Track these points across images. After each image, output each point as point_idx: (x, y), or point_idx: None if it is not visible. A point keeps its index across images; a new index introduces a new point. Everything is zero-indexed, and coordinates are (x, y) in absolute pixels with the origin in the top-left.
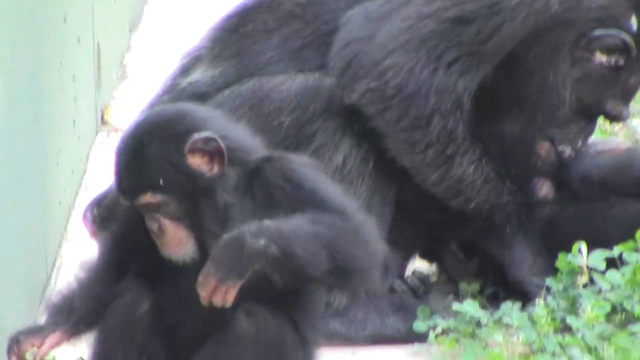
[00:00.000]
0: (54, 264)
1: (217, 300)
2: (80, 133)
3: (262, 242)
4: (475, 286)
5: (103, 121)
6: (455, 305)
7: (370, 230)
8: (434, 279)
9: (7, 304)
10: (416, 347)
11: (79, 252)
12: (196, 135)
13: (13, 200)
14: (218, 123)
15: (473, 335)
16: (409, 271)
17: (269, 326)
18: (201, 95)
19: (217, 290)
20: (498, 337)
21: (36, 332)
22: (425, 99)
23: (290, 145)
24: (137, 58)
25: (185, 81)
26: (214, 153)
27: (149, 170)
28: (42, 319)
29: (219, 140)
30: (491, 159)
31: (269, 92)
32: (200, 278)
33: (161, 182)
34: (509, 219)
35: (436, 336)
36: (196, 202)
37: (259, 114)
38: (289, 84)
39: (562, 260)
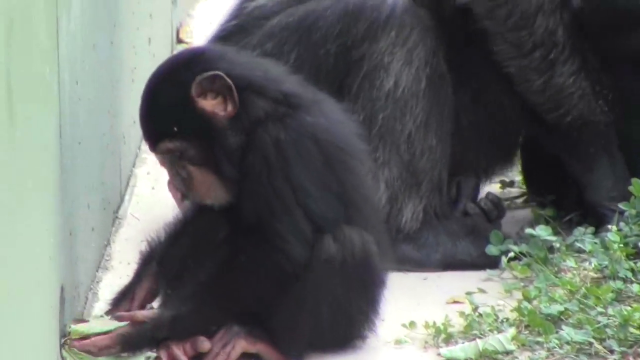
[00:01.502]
0: (127, 183)
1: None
2: (155, 51)
3: (161, 335)
4: (548, 211)
5: (178, 39)
6: (528, 230)
7: (292, 258)
8: (507, 202)
9: (80, 221)
10: (488, 272)
11: (152, 172)
12: (199, 78)
13: (89, 116)
14: (229, 62)
15: (545, 261)
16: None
17: (355, 247)
18: (268, 19)
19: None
20: (570, 262)
21: (124, 294)
22: None
23: (341, 73)
24: None
25: (252, 5)
26: (224, 92)
27: (163, 118)
28: (115, 240)
29: (226, 78)
30: (589, 74)
31: (315, 20)
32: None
33: (175, 129)
34: (597, 138)
35: (508, 261)
36: (214, 146)
37: (308, 45)
38: (332, 8)
39: (636, 185)
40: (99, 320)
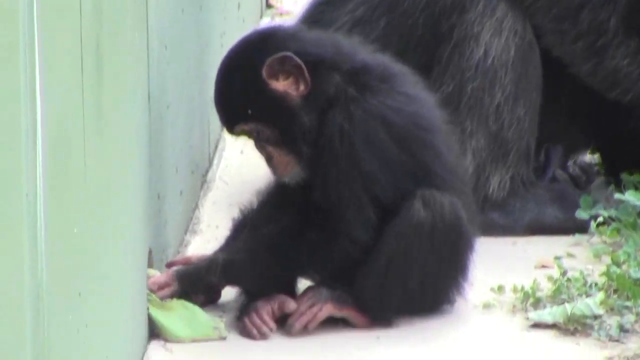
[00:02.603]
0: (216, 147)
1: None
2: (244, 16)
3: (213, 278)
4: (637, 176)
5: (268, 5)
6: (618, 195)
7: (355, 247)
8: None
9: (169, 184)
10: (576, 237)
11: None
12: (269, 60)
13: (178, 80)
14: (298, 40)
15: (634, 226)
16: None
17: (445, 212)
18: None
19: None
20: None
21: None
22: None
23: (430, 44)
24: None
25: None
26: (295, 72)
27: (236, 102)
28: (203, 204)
29: (295, 58)
30: None
31: None
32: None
33: (249, 112)
34: None
35: (597, 226)
36: (289, 125)
37: (396, 13)
38: None
39: None
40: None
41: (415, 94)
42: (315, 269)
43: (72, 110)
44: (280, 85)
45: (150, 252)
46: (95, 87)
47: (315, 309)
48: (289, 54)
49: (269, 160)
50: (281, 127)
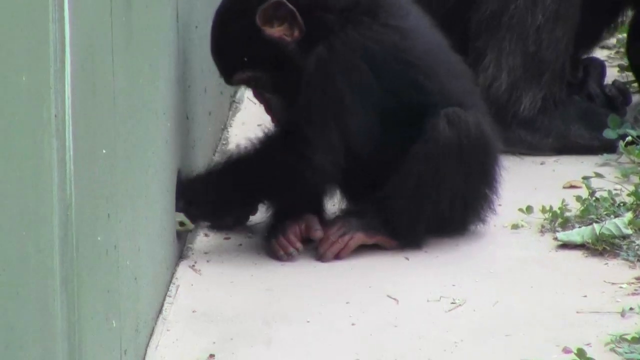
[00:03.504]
0: None
1: None
2: None
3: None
4: None
5: None
6: None
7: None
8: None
9: (197, 105)
10: (605, 157)
11: None
12: (262, 7)
13: (207, 1)
14: None
15: None
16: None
17: (470, 129)
18: None
19: None
20: None
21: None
22: None
23: None
24: None
25: None
26: (289, 18)
27: (232, 51)
28: (231, 124)
29: (287, 4)
30: None
31: None
32: None
33: (246, 59)
34: None
35: (626, 145)
36: (286, 70)
37: None
38: None
39: None
40: None
41: (402, 26)
42: (273, 194)
43: (101, 30)
44: (275, 31)
45: (179, 173)
46: (124, 7)
47: (346, 238)
48: (281, 0)
49: (268, 107)
50: (278, 73)
